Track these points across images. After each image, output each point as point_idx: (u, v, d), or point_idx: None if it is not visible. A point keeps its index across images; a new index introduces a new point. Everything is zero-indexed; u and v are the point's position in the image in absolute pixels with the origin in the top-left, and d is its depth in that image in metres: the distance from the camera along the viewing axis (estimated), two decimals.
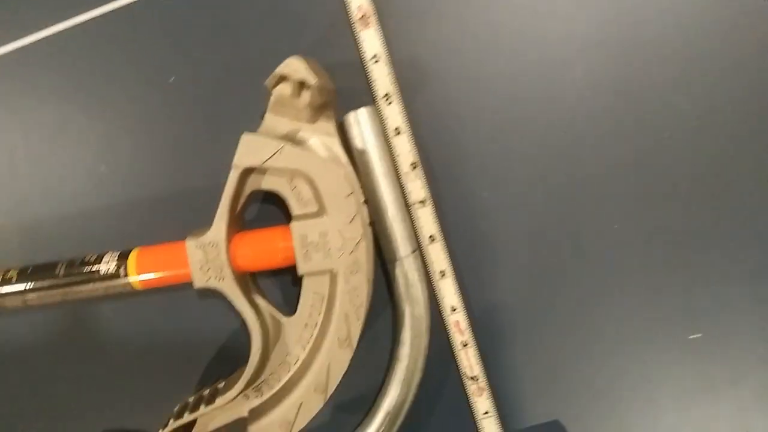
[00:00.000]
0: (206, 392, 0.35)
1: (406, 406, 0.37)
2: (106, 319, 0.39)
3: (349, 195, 0.32)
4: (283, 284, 0.38)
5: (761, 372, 0.37)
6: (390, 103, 0.35)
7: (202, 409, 0.34)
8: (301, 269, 0.33)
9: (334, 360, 0.34)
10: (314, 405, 0.34)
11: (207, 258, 0.33)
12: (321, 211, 0.33)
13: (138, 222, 0.38)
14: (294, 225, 0.33)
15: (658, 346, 0.37)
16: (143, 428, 0.38)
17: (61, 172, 0.38)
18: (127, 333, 0.39)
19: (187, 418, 0.34)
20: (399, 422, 0.37)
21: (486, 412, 0.37)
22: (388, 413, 0.37)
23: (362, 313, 0.33)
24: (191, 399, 0.35)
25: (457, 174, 0.37)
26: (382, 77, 0.35)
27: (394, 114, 0.36)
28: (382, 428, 0.37)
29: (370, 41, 0.35)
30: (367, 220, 0.33)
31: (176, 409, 0.35)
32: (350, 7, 0.36)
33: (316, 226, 0.33)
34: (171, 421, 0.34)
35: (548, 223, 0.37)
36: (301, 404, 0.34)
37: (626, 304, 0.37)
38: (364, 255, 0.33)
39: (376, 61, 0.35)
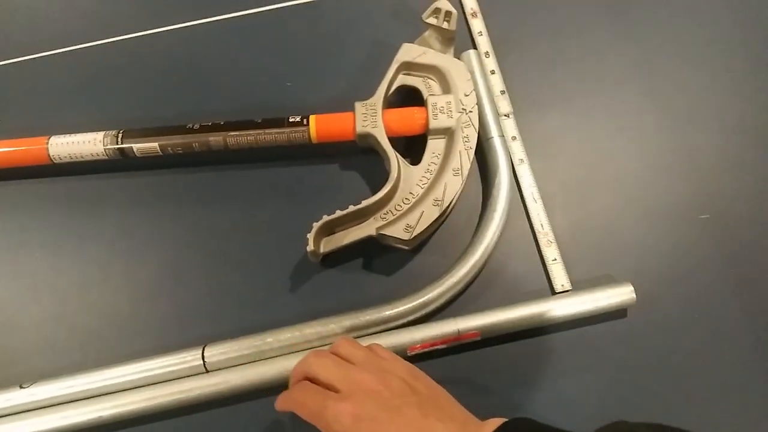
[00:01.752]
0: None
1: (491, 247, 0.48)
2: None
3: (468, 79, 0.50)
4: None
5: None
6: (488, 56, 0.55)
7: (338, 213, 0.46)
8: (431, 125, 0.49)
9: (450, 183, 0.47)
10: (432, 214, 0.47)
11: (367, 112, 0.50)
12: (446, 92, 0.50)
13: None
14: (429, 98, 0.50)
15: None
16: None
17: None
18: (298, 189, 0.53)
19: (325, 219, 0.46)
20: (484, 263, 0.48)
21: (554, 259, 0.48)
22: (480, 254, 0.48)
23: (471, 153, 0.48)
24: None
25: (534, 98, 0.55)
26: (484, 37, 0.57)
27: (491, 63, 0.55)
28: (474, 269, 0.47)
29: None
30: (476, 100, 0.50)
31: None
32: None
33: (444, 98, 0.50)
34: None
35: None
36: (422, 214, 0.46)
37: None
38: (475, 115, 0.49)
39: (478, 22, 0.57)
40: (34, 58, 0.60)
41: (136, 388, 0.45)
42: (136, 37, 0.60)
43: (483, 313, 0.46)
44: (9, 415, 0.45)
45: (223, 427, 0.46)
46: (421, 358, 0.46)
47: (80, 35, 0.60)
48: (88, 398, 0.45)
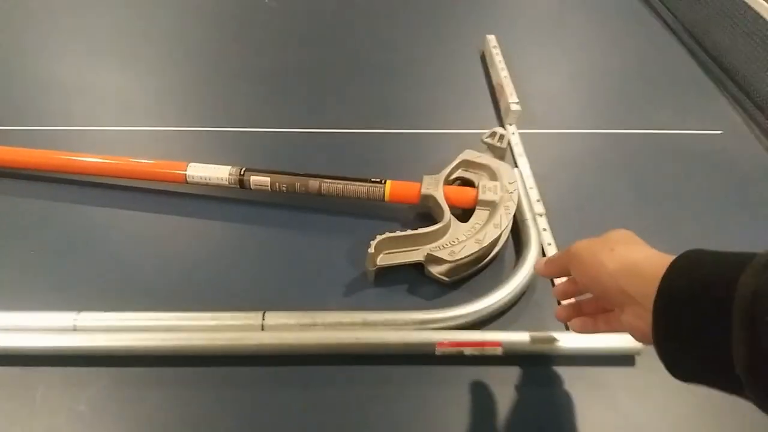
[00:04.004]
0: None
1: (518, 289, 0.57)
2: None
3: (512, 177, 0.65)
4: None
5: None
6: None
7: (398, 232, 0.58)
8: (480, 197, 0.63)
9: (490, 232, 0.59)
10: (472, 248, 0.57)
11: (431, 182, 0.65)
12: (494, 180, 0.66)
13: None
14: (480, 182, 0.65)
15: None
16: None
17: None
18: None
19: (388, 234, 0.58)
20: (511, 301, 0.56)
21: None
22: (510, 290, 0.56)
23: (509, 216, 0.61)
24: None
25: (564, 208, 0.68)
26: (526, 168, 0.73)
27: (531, 182, 0.71)
28: (502, 302, 0.56)
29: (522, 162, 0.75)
30: (517, 187, 0.65)
31: None
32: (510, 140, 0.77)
33: (492, 182, 0.65)
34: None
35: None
36: (464, 247, 0.57)
37: None
38: (516, 196, 0.63)
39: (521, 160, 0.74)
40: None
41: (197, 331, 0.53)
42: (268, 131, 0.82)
43: (505, 332, 0.53)
44: (89, 330, 0.53)
45: (258, 382, 0.51)
46: (452, 362, 0.52)
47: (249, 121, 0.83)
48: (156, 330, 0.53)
